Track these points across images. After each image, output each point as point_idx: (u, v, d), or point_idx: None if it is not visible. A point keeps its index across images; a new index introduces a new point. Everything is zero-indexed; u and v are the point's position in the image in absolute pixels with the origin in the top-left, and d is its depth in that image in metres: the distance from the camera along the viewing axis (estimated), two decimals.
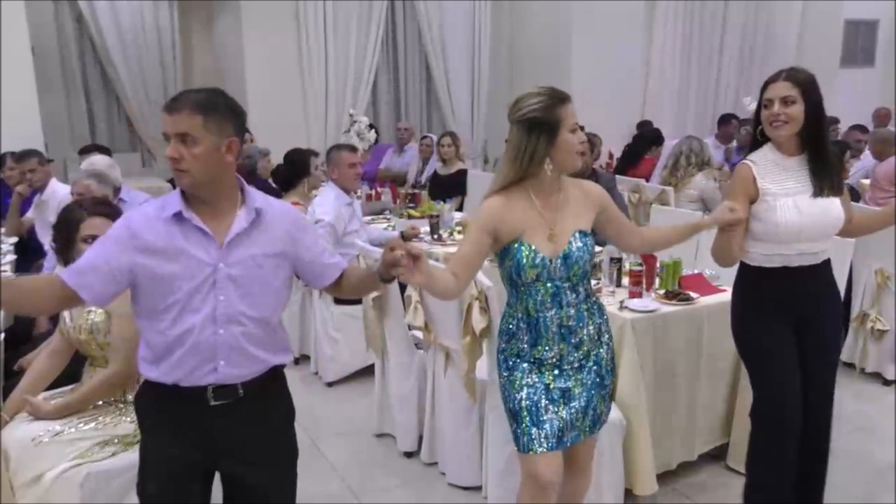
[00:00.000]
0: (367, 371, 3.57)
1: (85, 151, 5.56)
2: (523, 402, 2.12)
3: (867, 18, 9.95)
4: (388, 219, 5.19)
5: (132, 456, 2.46)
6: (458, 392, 2.97)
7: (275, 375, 1.96)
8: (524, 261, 2.07)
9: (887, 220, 2.60)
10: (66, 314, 2.55)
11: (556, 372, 2.14)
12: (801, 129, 2.33)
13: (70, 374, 2.70)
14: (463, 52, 8.43)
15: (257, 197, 1.89)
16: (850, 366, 4.15)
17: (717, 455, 3.19)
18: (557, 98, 2.05)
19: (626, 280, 3.11)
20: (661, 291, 3.06)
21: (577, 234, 2.11)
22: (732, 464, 3.15)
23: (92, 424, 2.47)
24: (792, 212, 2.34)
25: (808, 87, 2.31)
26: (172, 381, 1.83)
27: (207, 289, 1.79)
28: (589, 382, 2.16)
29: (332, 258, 2.04)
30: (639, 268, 3.02)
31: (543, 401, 2.11)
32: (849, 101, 8.50)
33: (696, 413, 3.04)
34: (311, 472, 3.00)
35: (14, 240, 4.62)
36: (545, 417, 2.11)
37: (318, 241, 2.03)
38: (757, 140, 2.45)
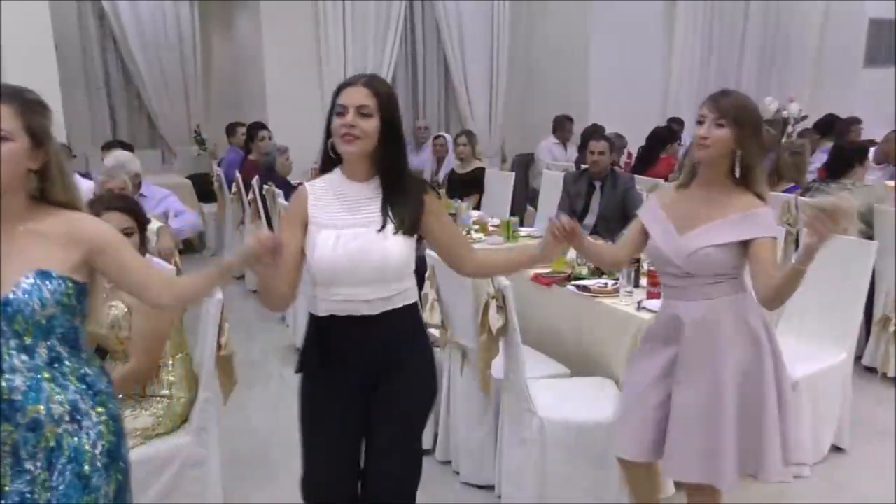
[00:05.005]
0: None
1: (107, 147, 5.62)
2: None
3: (892, 17, 9.82)
4: None
5: (150, 450, 2.51)
6: (474, 391, 2.97)
7: None
8: None
9: (541, 259, 2.14)
10: None
11: (12, 470, 1.53)
12: (373, 149, 1.93)
13: None
14: (481, 51, 8.43)
15: None
16: (872, 370, 4.10)
17: None
18: None
19: (644, 280, 3.10)
20: None
21: (31, 274, 1.53)
22: None
23: None
24: (327, 248, 1.91)
25: (386, 101, 1.91)
26: None
27: None
28: (62, 487, 1.55)
29: None
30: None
31: None
32: (872, 101, 8.39)
33: None
34: None
35: None
36: None
37: None
38: (330, 157, 2.00)
